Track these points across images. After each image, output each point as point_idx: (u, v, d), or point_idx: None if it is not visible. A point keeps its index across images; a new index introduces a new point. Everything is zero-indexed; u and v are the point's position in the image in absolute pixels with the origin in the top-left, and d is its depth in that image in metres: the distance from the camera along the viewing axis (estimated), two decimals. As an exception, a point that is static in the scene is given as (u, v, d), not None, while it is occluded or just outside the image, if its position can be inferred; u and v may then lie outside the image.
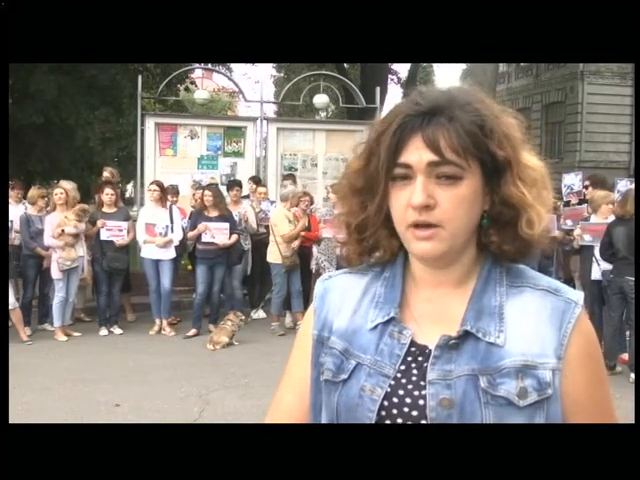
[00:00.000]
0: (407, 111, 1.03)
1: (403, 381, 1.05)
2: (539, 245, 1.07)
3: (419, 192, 1.00)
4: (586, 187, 8.45)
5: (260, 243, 8.78)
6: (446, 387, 1.02)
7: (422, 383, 1.04)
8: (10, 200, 8.67)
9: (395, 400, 1.04)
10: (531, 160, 1.07)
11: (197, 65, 13.22)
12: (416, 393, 1.03)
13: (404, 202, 1.03)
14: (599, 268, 6.76)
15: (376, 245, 1.13)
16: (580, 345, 1.04)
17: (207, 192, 8.14)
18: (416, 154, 1.01)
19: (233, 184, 9.20)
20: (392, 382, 1.05)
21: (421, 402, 1.03)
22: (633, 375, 6.04)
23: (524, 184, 1.04)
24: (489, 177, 1.04)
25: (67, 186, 8.23)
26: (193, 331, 8.03)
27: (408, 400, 1.04)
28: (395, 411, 1.04)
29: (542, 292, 1.07)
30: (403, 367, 1.06)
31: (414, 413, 1.03)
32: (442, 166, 1.01)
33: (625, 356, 6.39)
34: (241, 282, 8.74)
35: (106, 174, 9.23)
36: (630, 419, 3.52)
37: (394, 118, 1.03)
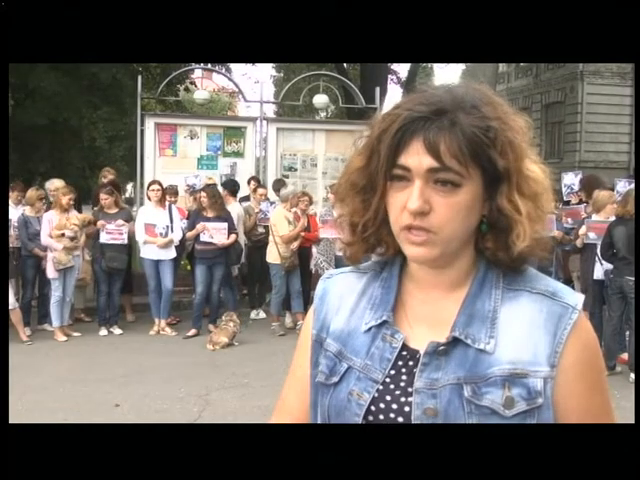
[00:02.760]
0: (410, 112, 1.00)
1: (391, 386, 1.04)
2: (532, 256, 1.04)
3: (415, 198, 0.98)
4: (579, 191, 8.57)
5: (259, 243, 8.78)
6: (431, 396, 1.00)
7: (409, 389, 1.02)
8: (10, 202, 8.66)
9: (382, 405, 1.03)
10: (534, 170, 1.03)
11: (197, 65, 13.21)
12: (402, 399, 1.02)
13: (400, 204, 1.01)
14: (602, 267, 6.75)
15: (379, 242, 1.11)
16: (578, 352, 1.01)
17: (203, 193, 8.18)
18: (416, 158, 0.98)
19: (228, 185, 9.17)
20: (380, 387, 1.04)
21: (407, 409, 1.02)
22: (633, 375, 6.04)
23: (522, 196, 1.01)
24: (489, 183, 1.01)
25: (59, 185, 8.19)
26: (193, 331, 8.04)
27: (394, 406, 1.03)
28: (382, 416, 1.03)
29: (538, 296, 1.03)
30: (393, 372, 1.04)
31: (400, 419, 1.02)
32: (441, 172, 0.98)
33: (625, 356, 6.39)
34: (229, 283, 8.62)
35: (110, 176, 9.19)
36: (630, 419, 3.52)
37: (396, 118, 1.00)
